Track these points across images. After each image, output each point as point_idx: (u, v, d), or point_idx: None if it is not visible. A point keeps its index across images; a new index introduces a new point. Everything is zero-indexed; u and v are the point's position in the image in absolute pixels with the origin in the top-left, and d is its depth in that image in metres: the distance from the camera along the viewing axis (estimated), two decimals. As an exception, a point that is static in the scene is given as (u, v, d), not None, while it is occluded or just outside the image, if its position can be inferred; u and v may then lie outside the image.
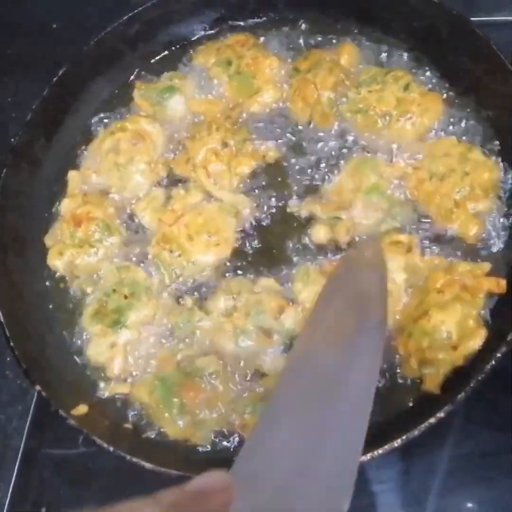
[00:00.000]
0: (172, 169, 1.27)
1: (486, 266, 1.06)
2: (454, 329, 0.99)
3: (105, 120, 1.34)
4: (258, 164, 1.24)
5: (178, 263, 1.15)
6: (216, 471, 0.59)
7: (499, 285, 1.03)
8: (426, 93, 1.22)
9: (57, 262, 1.20)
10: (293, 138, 1.26)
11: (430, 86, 1.25)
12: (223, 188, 1.21)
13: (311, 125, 1.27)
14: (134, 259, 1.19)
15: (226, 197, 1.20)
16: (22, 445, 1.21)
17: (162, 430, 1.05)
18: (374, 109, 1.22)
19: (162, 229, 1.18)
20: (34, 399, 1.23)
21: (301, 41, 1.37)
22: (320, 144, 1.25)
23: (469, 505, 1.06)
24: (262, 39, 1.37)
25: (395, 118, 1.21)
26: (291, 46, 1.37)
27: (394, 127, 1.21)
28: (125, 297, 1.12)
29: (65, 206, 1.24)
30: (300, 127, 1.27)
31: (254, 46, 1.34)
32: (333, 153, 1.24)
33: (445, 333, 0.99)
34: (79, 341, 1.14)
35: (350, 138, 1.24)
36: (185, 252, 1.15)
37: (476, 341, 0.99)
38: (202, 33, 1.42)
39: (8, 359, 1.25)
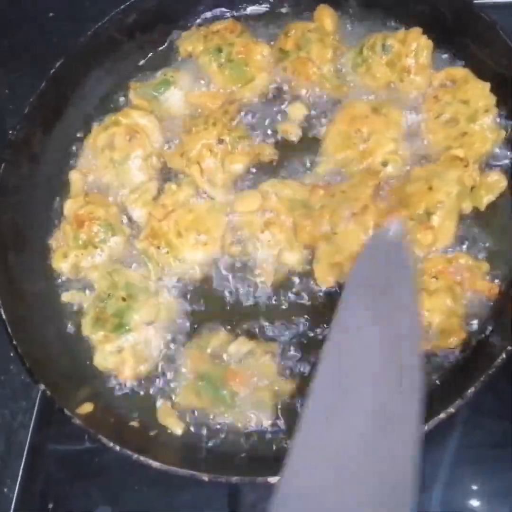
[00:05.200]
0: (165, 163, 1.24)
1: (485, 266, 1.05)
2: (436, 323, 0.99)
3: (104, 113, 1.30)
4: (252, 162, 1.21)
5: (165, 260, 1.13)
6: None
7: (491, 291, 1.03)
8: (402, 37, 1.21)
9: (62, 265, 1.18)
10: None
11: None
12: (215, 186, 1.18)
13: (313, 112, 1.24)
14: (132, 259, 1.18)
15: (218, 195, 1.18)
16: (27, 440, 1.20)
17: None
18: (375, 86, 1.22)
19: (151, 224, 1.16)
20: (39, 394, 1.22)
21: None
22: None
23: (476, 494, 1.06)
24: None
25: (401, 78, 1.20)
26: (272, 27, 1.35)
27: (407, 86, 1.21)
28: (123, 299, 1.10)
29: (68, 207, 1.22)
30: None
31: (242, 33, 1.30)
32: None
33: (426, 323, 0.99)
34: (82, 339, 1.13)
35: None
36: (173, 249, 1.13)
37: (453, 340, 0.99)
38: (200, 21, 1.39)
39: (11, 354, 1.24)
